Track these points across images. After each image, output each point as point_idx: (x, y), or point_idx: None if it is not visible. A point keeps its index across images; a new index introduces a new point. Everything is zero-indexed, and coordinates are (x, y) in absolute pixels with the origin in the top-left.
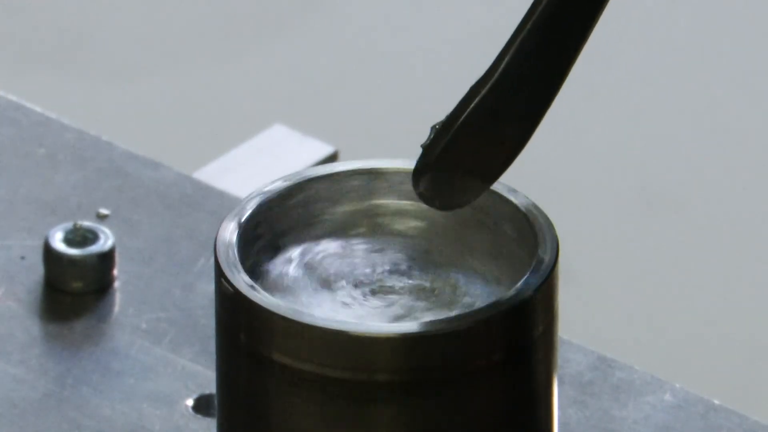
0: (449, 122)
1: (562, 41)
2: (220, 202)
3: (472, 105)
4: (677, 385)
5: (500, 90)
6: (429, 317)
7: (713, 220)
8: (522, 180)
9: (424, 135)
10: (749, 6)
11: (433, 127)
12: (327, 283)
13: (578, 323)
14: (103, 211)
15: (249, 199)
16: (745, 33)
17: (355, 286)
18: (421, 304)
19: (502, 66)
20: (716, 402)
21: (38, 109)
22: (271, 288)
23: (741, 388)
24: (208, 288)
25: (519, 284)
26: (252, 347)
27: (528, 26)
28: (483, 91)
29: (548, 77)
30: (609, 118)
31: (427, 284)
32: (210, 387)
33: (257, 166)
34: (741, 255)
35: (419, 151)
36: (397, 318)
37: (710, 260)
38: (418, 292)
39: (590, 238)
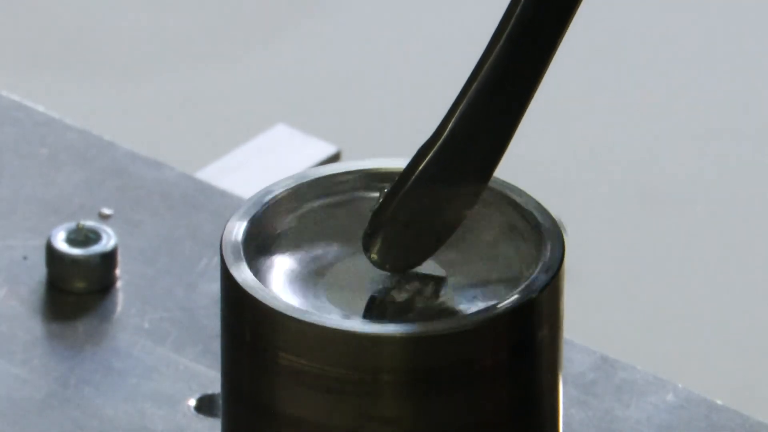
0: (397, 186)
1: (511, 93)
2: (223, 202)
3: (420, 168)
4: (680, 386)
5: (448, 150)
6: (433, 316)
7: (716, 219)
8: (523, 180)
9: (427, 134)
10: (749, 5)
11: (381, 192)
12: (332, 283)
13: (581, 323)
14: (106, 211)
15: (255, 198)
16: (745, 30)
17: (363, 285)
18: (427, 303)
19: (449, 127)
20: (719, 402)
21: (41, 108)
22: (276, 287)
23: (744, 388)
24: (211, 288)
25: (525, 284)
26: (257, 346)
27: (474, 85)
28: (430, 154)
29: (498, 132)
30: (609, 117)
31: (431, 284)
32: (213, 387)
33: (260, 166)
34: (744, 254)
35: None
36: (404, 317)
37: (713, 260)
38: (424, 293)
39: (592, 237)
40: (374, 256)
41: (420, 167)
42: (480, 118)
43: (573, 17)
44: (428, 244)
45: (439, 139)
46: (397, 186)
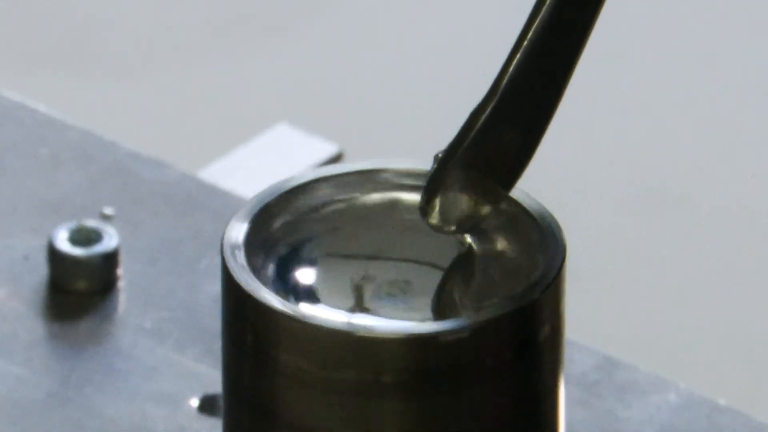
0: (452, 150)
1: (558, 54)
2: (225, 202)
3: (474, 130)
4: (682, 386)
5: (502, 112)
6: (434, 317)
7: (718, 218)
8: (524, 179)
9: (429, 134)
10: (750, 3)
11: (435, 156)
12: (333, 283)
13: (582, 323)
14: (107, 210)
15: (256, 198)
16: (747, 27)
17: (365, 285)
18: (428, 304)
19: (501, 89)
20: (721, 402)
21: (42, 108)
22: (277, 288)
23: (746, 388)
24: (213, 288)
25: (527, 284)
26: (258, 347)
27: (524, 44)
28: (484, 115)
29: (548, 91)
30: (611, 116)
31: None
32: (214, 387)
33: (261, 165)
34: (746, 253)
35: (424, 154)
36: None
37: (715, 259)
38: (426, 294)
39: (593, 237)
40: (434, 221)
41: (475, 127)
42: (534, 71)
43: None
44: (483, 207)
45: (491, 102)
46: (452, 149)
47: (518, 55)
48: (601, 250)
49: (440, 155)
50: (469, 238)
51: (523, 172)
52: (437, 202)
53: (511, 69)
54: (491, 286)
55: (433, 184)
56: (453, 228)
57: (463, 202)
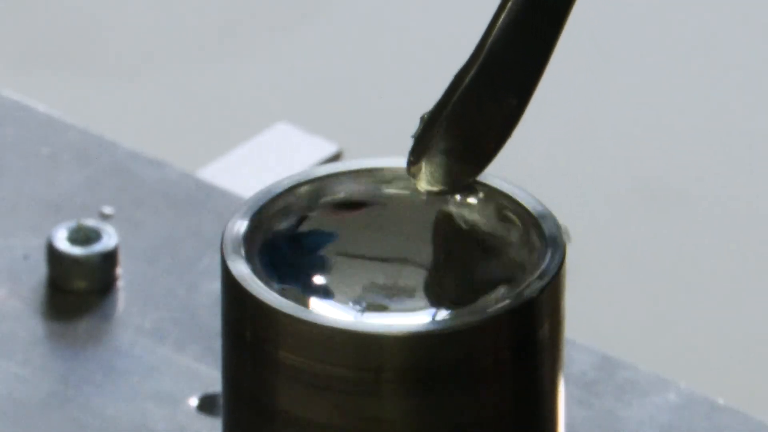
0: (438, 110)
1: (544, 16)
2: (224, 201)
3: (460, 90)
4: (682, 385)
5: (487, 72)
6: (434, 315)
7: (718, 216)
8: (524, 177)
9: None
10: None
11: (421, 117)
12: (336, 281)
13: (582, 322)
14: (107, 210)
15: (256, 196)
16: (746, 26)
17: (365, 282)
18: (428, 302)
19: (486, 47)
20: (721, 402)
21: (42, 108)
22: (277, 286)
23: (746, 387)
24: (212, 287)
25: (526, 283)
26: (257, 345)
27: (509, 4)
28: (469, 76)
29: (534, 52)
30: (610, 114)
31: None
32: (214, 386)
33: (261, 164)
34: (747, 251)
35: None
36: (405, 315)
37: (715, 258)
38: (425, 292)
39: (593, 236)
40: (420, 181)
41: (461, 87)
42: (519, 33)
43: None
44: (470, 167)
45: (476, 62)
46: (437, 109)
47: (503, 16)
48: (601, 248)
49: (425, 116)
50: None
51: (509, 136)
52: (423, 163)
53: (495, 30)
54: (491, 285)
55: (419, 145)
56: (439, 188)
57: (448, 163)
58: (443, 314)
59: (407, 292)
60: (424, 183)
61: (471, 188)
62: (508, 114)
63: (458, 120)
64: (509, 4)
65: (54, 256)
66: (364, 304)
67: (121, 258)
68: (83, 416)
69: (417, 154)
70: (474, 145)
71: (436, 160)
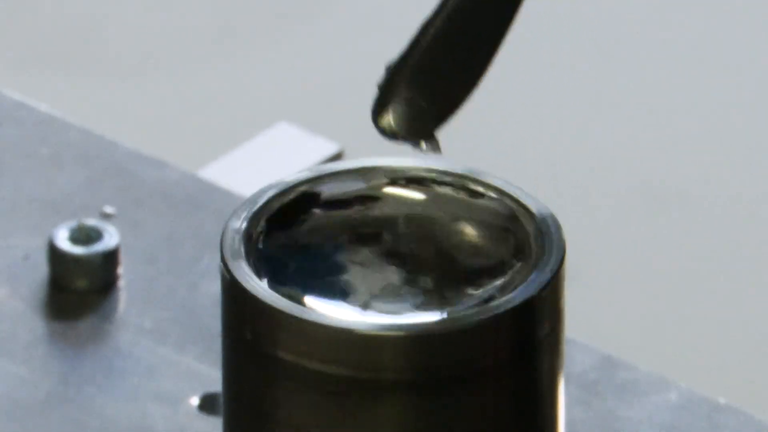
0: (403, 59)
1: None
2: (225, 201)
3: (427, 39)
4: (682, 385)
5: (454, 21)
6: (434, 315)
7: (719, 217)
8: (524, 177)
9: None
10: (750, 3)
11: (387, 67)
12: (336, 281)
13: (582, 322)
14: (108, 210)
15: (255, 196)
16: (746, 26)
17: (365, 283)
18: (428, 302)
19: (450, 3)
20: (722, 401)
21: (42, 108)
22: (277, 286)
23: (747, 387)
24: (213, 287)
25: (525, 283)
26: (257, 345)
27: None
28: (435, 25)
29: (504, 2)
30: (611, 114)
31: (433, 283)
32: (214, 386)
33: (261, 164)
34: (747, 252)
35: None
36: (406, 315)
37: (716, 258)
38: (425, 292)
39: (594, 236)
40: (386, 126)
41: (428, 36)
42: None
43: None
44: (438, 115)
45: (446, 8)
46: (403, 57)
47: None
48: (601, 247)
49: (391, 66)
50: (468, 234)
51: (476, 86)
52: (388, 111)
53: None
54: (491, 284)
55: (384, 93)
56: (403, 136)
57: (412, 111)
58: (443, 314)
59: (407, 292)
60: (389, 130)
61: (435, 138)
62: (475, 64)
63: (424, 69)
64: None
65: (55, 255)
66: (364, 304)
67: (122, 258)
68: (83, 416)
69: (381, 102)
70: (440, 95)
71: (399, 108)
